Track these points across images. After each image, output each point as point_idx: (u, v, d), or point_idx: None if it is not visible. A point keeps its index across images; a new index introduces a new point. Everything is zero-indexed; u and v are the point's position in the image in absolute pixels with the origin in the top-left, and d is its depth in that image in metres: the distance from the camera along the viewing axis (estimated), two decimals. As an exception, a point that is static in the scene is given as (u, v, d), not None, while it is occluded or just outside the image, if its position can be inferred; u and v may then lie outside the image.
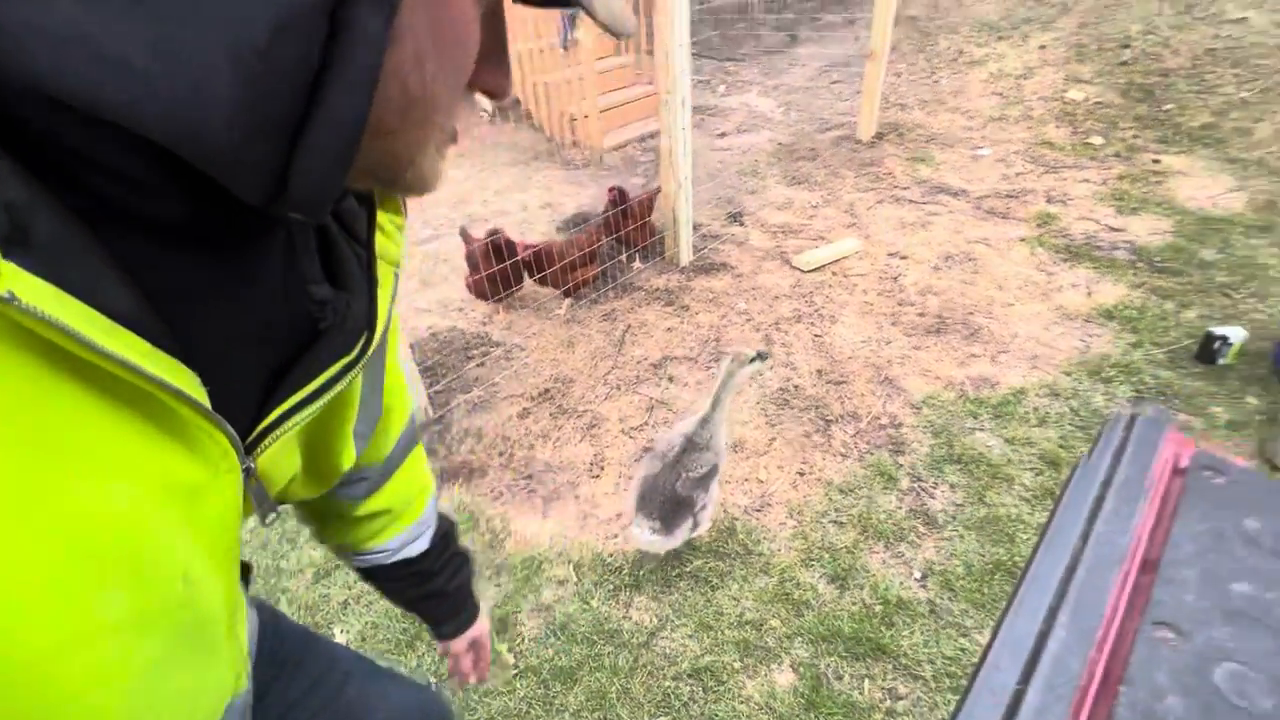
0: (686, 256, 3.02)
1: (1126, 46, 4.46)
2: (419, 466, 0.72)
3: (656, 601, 1.63)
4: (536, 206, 3.75)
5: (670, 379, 2.37)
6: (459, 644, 0.83)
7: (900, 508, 1.81)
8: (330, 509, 0.66)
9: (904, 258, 2.98)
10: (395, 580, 0.74)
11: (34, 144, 0.24)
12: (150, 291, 0.29)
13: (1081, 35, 4.70)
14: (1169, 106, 3.93)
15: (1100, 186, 3.39)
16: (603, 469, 2.03)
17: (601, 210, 2.87)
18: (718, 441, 1.64)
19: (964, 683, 1.39)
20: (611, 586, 1.67)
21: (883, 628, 1.51)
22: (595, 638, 1.55)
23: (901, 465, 1.94)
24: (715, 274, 2.96)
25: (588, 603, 1.63)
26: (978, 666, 0.56)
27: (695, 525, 1.60)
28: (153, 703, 0.34)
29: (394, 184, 0.34)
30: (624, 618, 1.59)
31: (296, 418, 0.38)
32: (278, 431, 0.38)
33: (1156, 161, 3.51)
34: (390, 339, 0.55)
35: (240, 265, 0.34)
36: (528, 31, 4.24)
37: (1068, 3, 5.06)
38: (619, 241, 2.91)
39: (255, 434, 0.37)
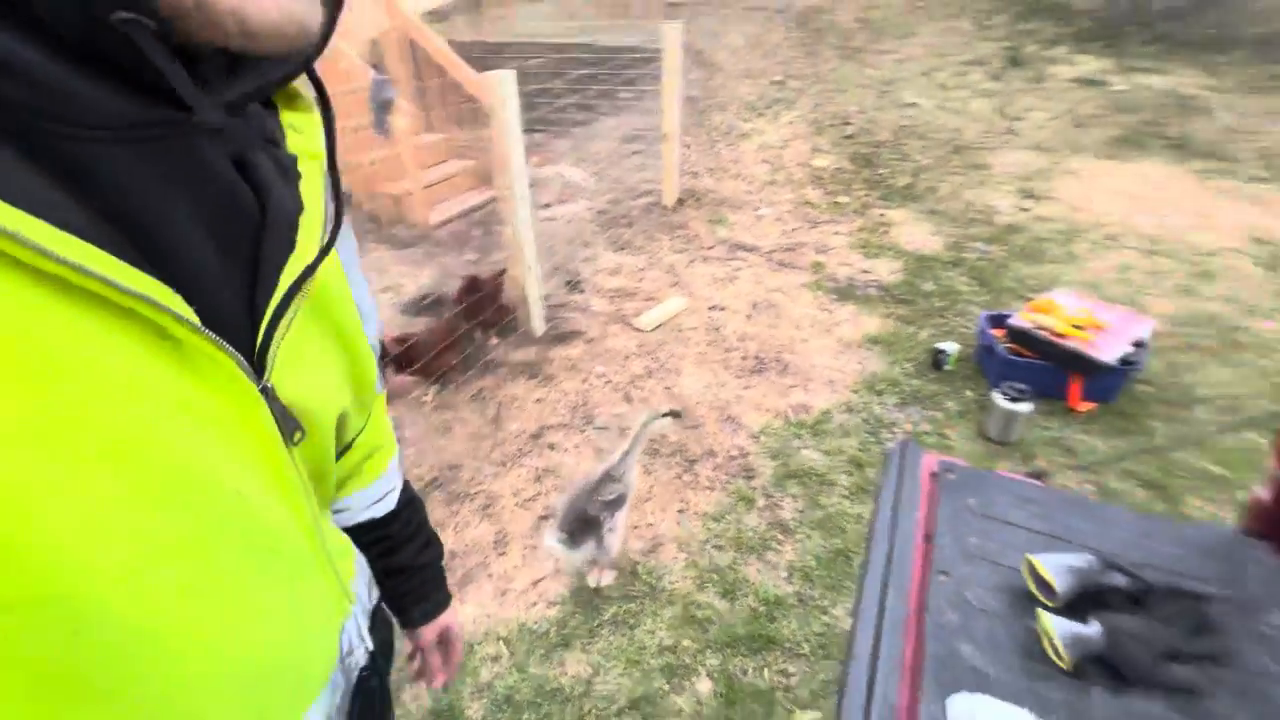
0: (540, 328, 3.28)
1: (848, 123, 5.75)
2: (384, 415, 0.68)
3: (586, 653, 1.84)
4: (378, 291, 3.74)
5: (551, 447, 2.59)
6: (428, 634, 0.76)
7: (761, 523, 2.25)
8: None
9: (722, 309, 3.56)
10: (361, 546, 0.65)
11: None
12: (93, 205, 0.29)
13: (816, 114, 5.94)
14: (882, 170, 5.15)
15: (850, 237, 4.35)
16: (507, 544, 2.18)
17: (451, 292, 3.03)
18: (629, 478, 1.96)
19: (835, 650, 1.82)
20: (542, 650, 1.84)
21: (768, 623, 1.90)
22: (539, 700, 1.71)
23: (755, 488, 2.39)
24: (569, 342, 3.26)
25: (524, 671, 1.79)
26: (854, 615, 0.95)
27: (601, 546, 1.88)
28: (249, 614, 0.38)
29: (216, 24, 0.30)
30: (560, 674, 1.78)
31: (281, 327, 0.38)
32: (274, 342, 0.38)
33: (882, 215, 4.61)
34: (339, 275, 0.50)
35: (171, 159, 0.33)
36: (339, 112, 4.22)
37: (802, 87, 6.36)
38: (479, 325, 3.08)
39: (258, 347, 0.38)
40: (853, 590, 1.97)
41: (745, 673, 1.78)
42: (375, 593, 0.64)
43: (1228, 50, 7.24)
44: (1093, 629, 0.87)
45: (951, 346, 2.98)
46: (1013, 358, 2.71)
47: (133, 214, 0.31)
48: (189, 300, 0.32)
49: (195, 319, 0.32)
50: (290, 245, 0.40)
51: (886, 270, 3.93)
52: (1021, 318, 2.77)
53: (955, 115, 5.88)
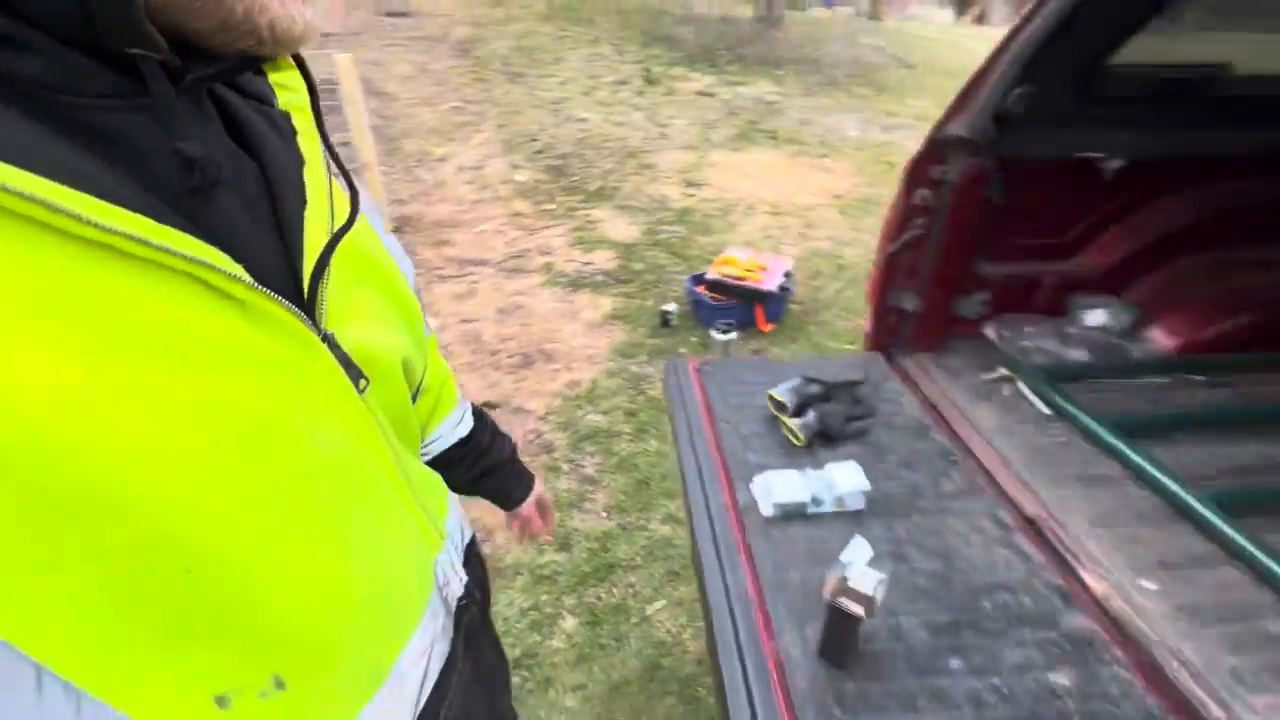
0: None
1: (534, 140, 6.34)
2: (436, 351, 0.75)
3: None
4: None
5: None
6: (527, 509, 0.90)
7: (571, 483, 2.56)
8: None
9: (473, 321, 3.74)
10: (459, 463, 0.78)
11: None
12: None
13: (503, 134, 6.39)
14: (575, 178, 5.85)
15: (566, 237, 4.89)
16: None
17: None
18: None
19: (659, 553, 2.24)
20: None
21: (604, 554, 2.23)
22: None
23: (557, 457, 2.69)
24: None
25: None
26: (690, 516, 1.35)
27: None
28: (345, 548, 0.41)
29: (233, 34, 0.33)
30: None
31: (323, 274, 0.39)
32: (320, 289, 0.39)
33: (587, 215, 5.27)
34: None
35: (179, 126, 0.33)
36: None
37: (482, 111, 6.75)
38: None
39: (308, 291, 0.39)
40: (660, 506, 2.42)
41: (599, 598, 2.09)
42: (468, 532, 0.68)
43: (783, 66, 9.89)
44: (810, 417, 1.40)
45: (672, 307, 3.68)
46: (715, 303, 3.49)
47: (161, 177, 0.33)
48: (235, 259, 0.33)
49: (248, 277, 0.34)
50: (301, 197, 0.41)
51: (604, 259, 4.56)
52: (713, 272, 3.58)
53: (619, 126, 6.92)
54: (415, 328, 0.56)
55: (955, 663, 0.96)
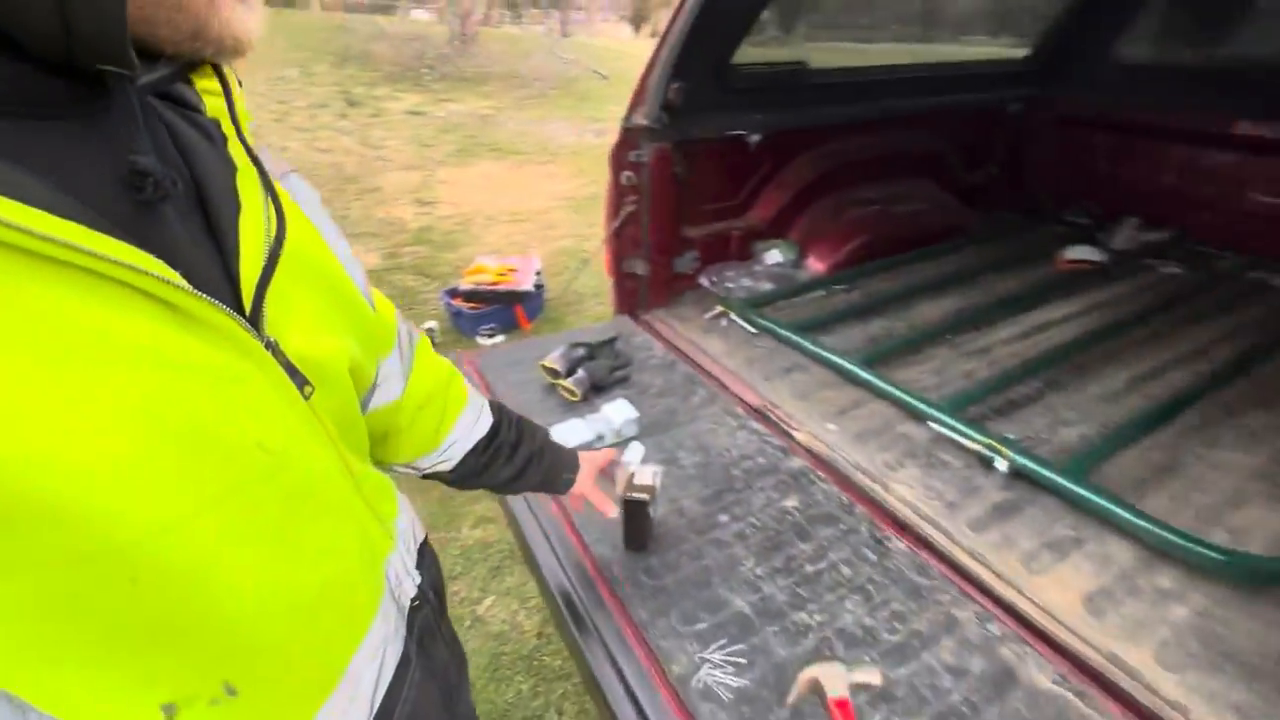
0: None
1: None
2: (431, 353, 0.75)
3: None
4: None
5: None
6: (584, 482, 0.91)
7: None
8: (385, 423, 0.66)
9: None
10: (493, 463, 0.78)
11: None
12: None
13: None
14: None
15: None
16: None
17: None
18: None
19: (480, 552, 2.27)
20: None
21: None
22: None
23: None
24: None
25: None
26: None
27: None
28: (295, 554, 0.41)
29: (200, 42, 0.34)
30: None
31: (261, 280, 0.39)
32: (266, 297, 0.39)
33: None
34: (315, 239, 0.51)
35: (115, 137, 0.34)
36: None
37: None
38: None
39: (249, 307, 0.39)
40: (467, 514, 2.45)
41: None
42: (421, 532, 0.67)
43: (489, 82, 10.12)
44: (580, 375, 1.61)
45: (433, 324, 3.64)
46: (474, 311, 3.56)
47: (90, 186, 0.32)
48: (171, 266, 0.33)
49: (184, 282, 0.33)
50: (235, 204, 0.41)
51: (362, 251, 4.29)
52: (467, 283, 3.63)
53: (327, 153, 6.46)
54: (364, 331, 0.54)
55: (723, 517, 1.25)
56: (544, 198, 6.04)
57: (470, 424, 0.77)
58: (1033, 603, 1.07)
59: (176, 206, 0.38)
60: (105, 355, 0.30)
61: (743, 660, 0.98)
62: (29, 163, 0.30)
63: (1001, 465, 1.32)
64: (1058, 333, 1.95)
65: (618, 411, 1.47)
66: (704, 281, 2.24)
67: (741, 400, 1.64)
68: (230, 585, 0.37)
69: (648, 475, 1.12)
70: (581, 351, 1.71)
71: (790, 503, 1.29)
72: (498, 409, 0.83)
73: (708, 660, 0.98)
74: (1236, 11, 2.41)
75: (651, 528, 1.16)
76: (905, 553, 1.17)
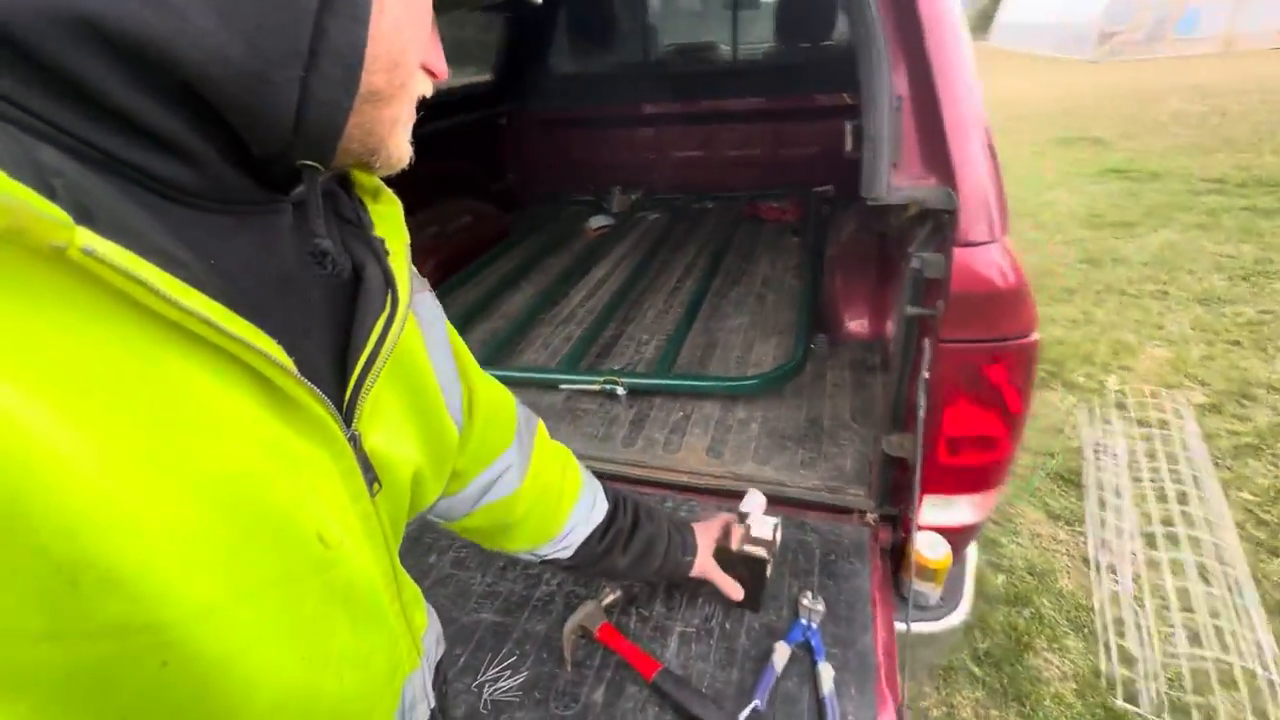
0: None
1: None
2: (549, 441, 0.78)
3: None
4: None
5: None
6: (704, 561, 0.90)
7: None
8: (503, 514, 0.71)
9: None
10: (609, 553, 0.79)
11: (78, 123, 0.28)
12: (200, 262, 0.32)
13: None
14: None
15: None
16: None
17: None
18: None
19: None
20: None
21: None
22: None
23: None
24: None
25: None
26: None
27: None
28: (323, 659, 0.38)
29: (375, 157, 0.39)
30: None
31: (369, 379, 0.41)
32: (362, 394, 0.41)
33: None
34: (450, 334, 0.61)
35: (265, 231, 0.38)
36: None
37: None
38: None
39: (346, 400, 0.40)
40: None
41: None
42: (441, 647, 0.65)
43: None
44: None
45: None
46: None
47: (234, 272, 0.35)
48: (286, 351, 0.34)
49: (292, 366, 0.33)
50: (381, 309, 0.43)
51: None
52: None
53: None
54: (442, 449, 0.55)
55: (431, 559, 1.22)
56: None
57: (586, 511, 0.78)
58: (680, 471, 1.40)
59: (325, 298, 0.42)
60: (198, 424, 0.31)
61: (514, 657, 1.02)
62: (193, 245, 0.32)
63: (621, 391, 1.64)
64: (610, 283, 2.46)
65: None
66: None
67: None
68: (253, 683, 0.34)
69: (767, 528, 1.00)
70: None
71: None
72: (613, 494, 0.84)
73: (485, 682, 0.98)
74: (611, 30, 3.34)
75: (765, 584, 1.03)
76: (590, 490, 1.37)
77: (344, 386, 0.41)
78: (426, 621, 0.59)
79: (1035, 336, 0.98)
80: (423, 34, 0.38)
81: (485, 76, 3.26)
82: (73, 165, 0.28)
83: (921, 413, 1.02)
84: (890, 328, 1.79)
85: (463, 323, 2.17)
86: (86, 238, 0.24)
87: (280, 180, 0.38)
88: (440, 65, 0.42)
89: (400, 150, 0.40)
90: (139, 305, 0.27)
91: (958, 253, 0.91)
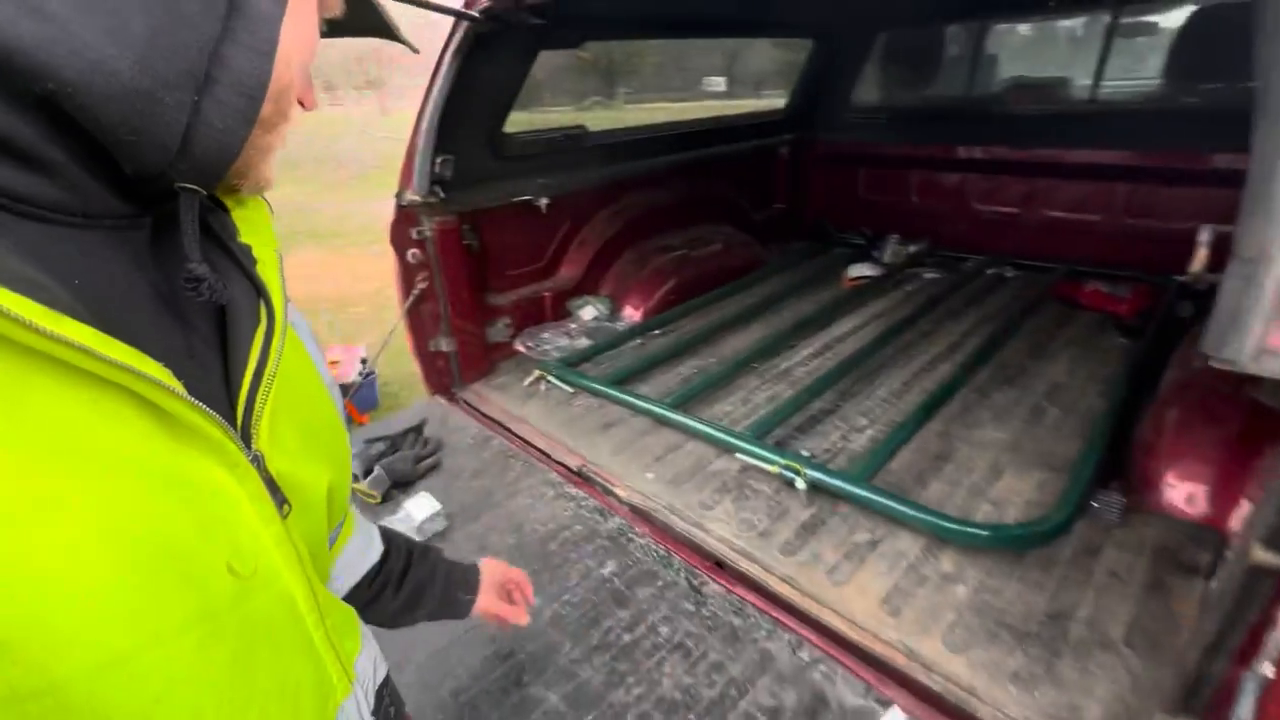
0: None
1: None
2: None
3: None
4: None
5: None
6: (486, 599, 0.82)
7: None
8: None
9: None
10: (378, 598, 0.72)
11: None
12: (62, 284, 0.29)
13: None
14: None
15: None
16: None
17: None
18: None
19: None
20: None
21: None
22: None
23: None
24: None
25: None
26: None
27: None
28: (245, 698, 0.36)
29: (244, 180, 0.39)
30: None
31: (260, 397, 0.39)
32: (255, 413, 0.39)
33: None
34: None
35: (133, 247, 0.36)
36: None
37: None
38: None
39: (239, 421, 0.38)
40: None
41: None
42: (381, 670, 0.61)
43: (302, 166, 9.59)
44: (378, 473, 1.47)
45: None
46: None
47: (103, 293, 0.32)
48: (173, 374, 0.32)
49: (182, 389, 0.32)
50: (255, 320, 0.41)
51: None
52: (278, 384, 3.29)
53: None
54: (341, 458, 0.53)
55: (537, 600, 1.16)
56: (372, 280, 5.73)
57: (358, 552, 0.71)
58: (838, 615, 1.10)
59: (202, 316, 0.39)
60: (80, 461, 0.28)
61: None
62: (53, 266, 0.29)
63: (800, 484, 1.38)
64: (847, 345, 2.14)
65: (419, 507, 1.35)
66: (520, 347, 2.19)
67: (562, 465, 1.58)
68: None
69: None
70: (380, 446, 1.57)
71: (608, 569, 1.24)
72: (387, 537, 0.78)
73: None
74: (933, 62, 2.92)
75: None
76: (722, 595, 1.16)
77: (234, 406, 0.39)
78: (360, 645, 0.55)
79: None
80: (306, 70, 0.38)
81: (775, 102, 3.15)
82: None
83: None
84: (1236, 522, 1.18)
85: (671, 357, 2.11)
86: None
87: (146, 197, 0.36)
88: (312, 98, 0.41)
89: (268, 174, 0.40)
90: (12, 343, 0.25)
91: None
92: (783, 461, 1.41)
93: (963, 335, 2.16)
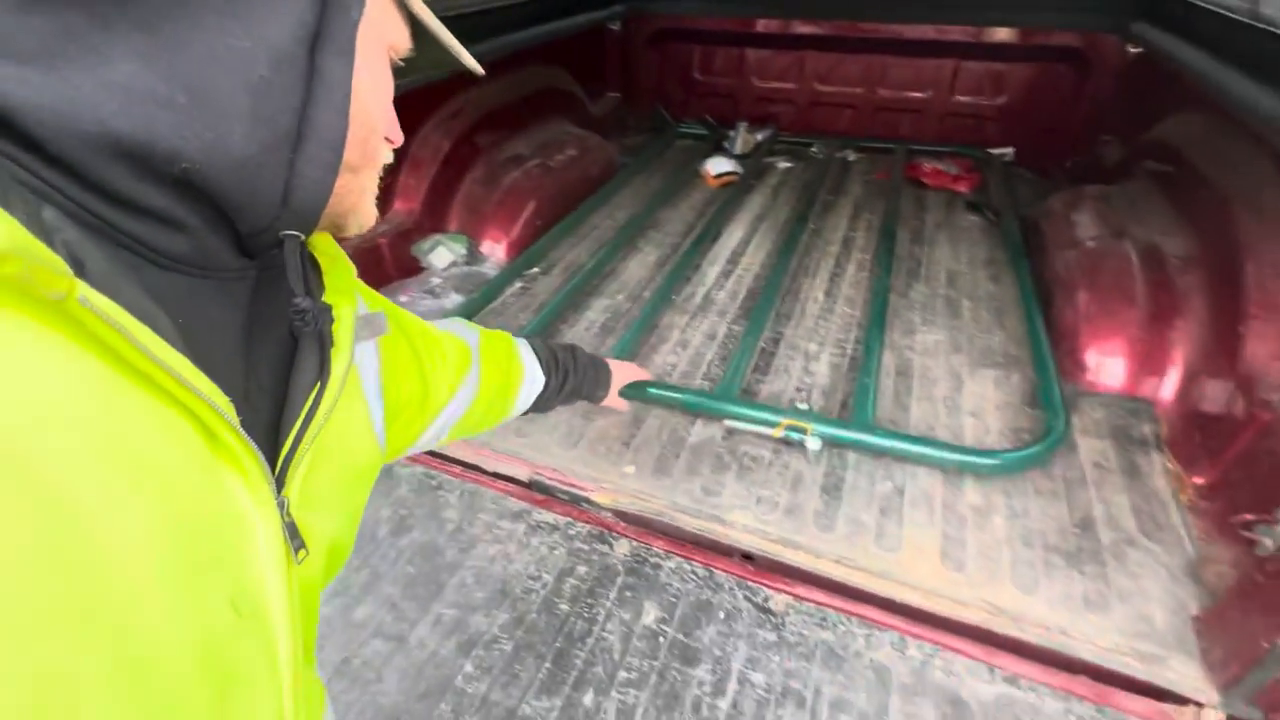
0: None
1: None
2: (493, 345, 0.86)
3: None
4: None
5: None
6: (610, 398, 1.17)
7: None
8: (457, 429, 0.79)
9: None
10: (540, 406, 0.98)
11: (80, 194, 0.30)
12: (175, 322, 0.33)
13: None
14: None
15: None
16: None
17: None
18: None
19: None
20: None
21: None
22: None
23: None
24: None
25: None
26: None
27: None
28: None
29: (345, 220, 0.43)
30: None
31: (301, 449, 0.41)
32: (293, 461, 0.40)
33: None
34: (395, 319, 0.64)
35: (232, 295, 0.39)
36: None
37: None
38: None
39: (279, 466, 0.40)
40: None
41: None
42: None
43: None
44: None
45: None
46: None
47: (198, 332, 0.35)
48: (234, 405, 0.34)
49: (237, 420, 0.34)
50: (315, 377, 0.43)
51: None
52: None
53: None
54: (358, 508, 0.55)
55: (591, 696, 0.88)
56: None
57: (528, 395, 0.93)
58: (915, 590, 1.01)
59: (268, 366, 0.42)
60: (143, 463, 0.29)
61: None
62: (167, 304, 0.33)
63: (813, 443, 1.23)
64: (752, 258, 1.99)
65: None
66: (371, 321, 1.63)
67: (509, 481, 1.22)
68: None
69: None
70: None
71: (650, 616, 0.98)
72: (549, 363, 0.97)
73: None
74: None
75: None
76: (797, 608, 1.00)
77: (277, 451, 0.41)
78: (323, 717, 0.55)
79: None
80: (388, 111, 0.43)
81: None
82: (70, 225, 0.30)
83: None
84: (1173, 387, 1.33)
85: (575, 301, 1.75)
86: (83, 288, 0.26)
87: (256, 249, 0.39)
88: (397, 134, 0.45)
89: (368, 213, 0.44)
90: (111, 351, 0.28)
91: None
92: (786, 421, 1.24)
93: (851, 228, 2.14)
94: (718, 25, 2.75)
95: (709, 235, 2.09)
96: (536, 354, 0.95)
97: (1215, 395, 1.21)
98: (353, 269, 0.51)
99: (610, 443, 1.29)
